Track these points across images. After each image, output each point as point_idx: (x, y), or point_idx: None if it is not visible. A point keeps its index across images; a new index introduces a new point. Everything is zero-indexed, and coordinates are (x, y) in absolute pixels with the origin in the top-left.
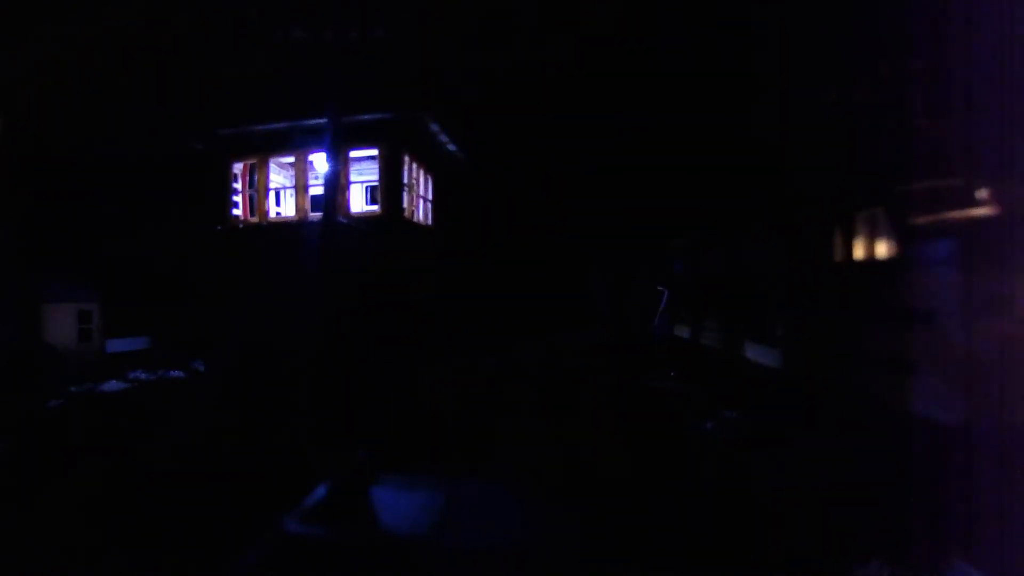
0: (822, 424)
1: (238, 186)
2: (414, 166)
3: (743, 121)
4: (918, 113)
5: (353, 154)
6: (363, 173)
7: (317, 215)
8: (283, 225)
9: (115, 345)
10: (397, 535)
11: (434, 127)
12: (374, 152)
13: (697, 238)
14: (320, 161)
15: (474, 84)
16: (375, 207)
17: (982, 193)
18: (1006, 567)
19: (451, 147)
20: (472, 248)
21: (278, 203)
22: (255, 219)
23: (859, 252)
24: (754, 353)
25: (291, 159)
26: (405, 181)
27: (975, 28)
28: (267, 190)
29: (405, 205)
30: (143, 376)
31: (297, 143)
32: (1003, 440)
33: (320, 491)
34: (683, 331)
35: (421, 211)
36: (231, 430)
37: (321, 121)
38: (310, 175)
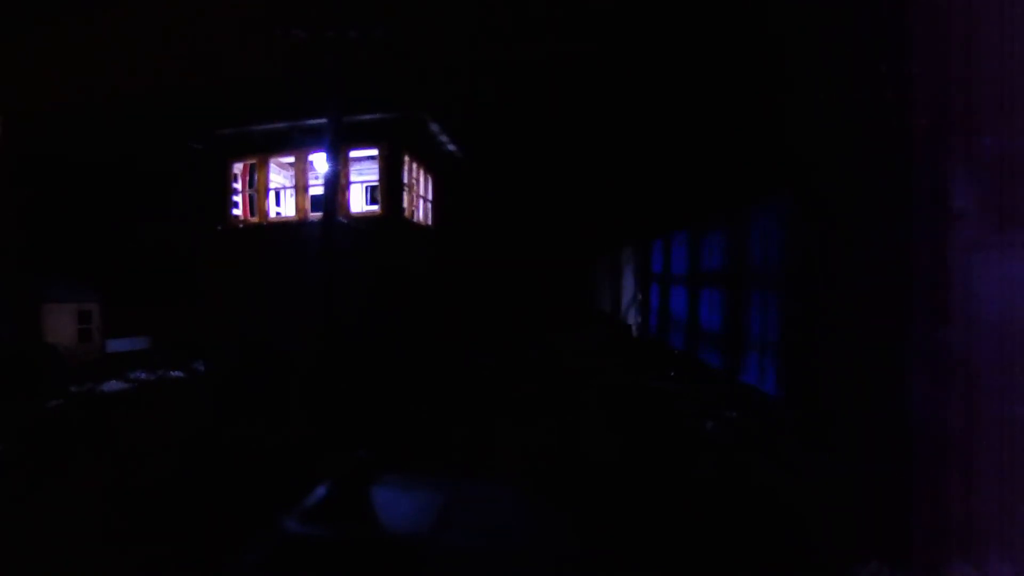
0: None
1: (238, 186)
2: (414, 166)
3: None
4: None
5: (353, 154)
6: (363, 173)
7: (317, 215)
8: (283, 225)
9: (115, 345)
10: (397, 535)
11: (434, 127)
12: (374, 152)
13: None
14: (320, 161)
15: (474, 83)
16: (375, 207)
17: None
18: (1006, 568)
19: (451, 147)
20: (472, 248)
21: (278, 203)
22: (255, 219)
23: None
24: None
25: (291, 159)
26: (405, 181)
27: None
28: (267, 190)
29: (405, 205)
30: (143, 376)
31: (297, 143)
32: (1002, 439)
33: (320, 491)
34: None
35: (421, 211)
36: (231, 430)
37: (321, 121)
38: (310, 175)
